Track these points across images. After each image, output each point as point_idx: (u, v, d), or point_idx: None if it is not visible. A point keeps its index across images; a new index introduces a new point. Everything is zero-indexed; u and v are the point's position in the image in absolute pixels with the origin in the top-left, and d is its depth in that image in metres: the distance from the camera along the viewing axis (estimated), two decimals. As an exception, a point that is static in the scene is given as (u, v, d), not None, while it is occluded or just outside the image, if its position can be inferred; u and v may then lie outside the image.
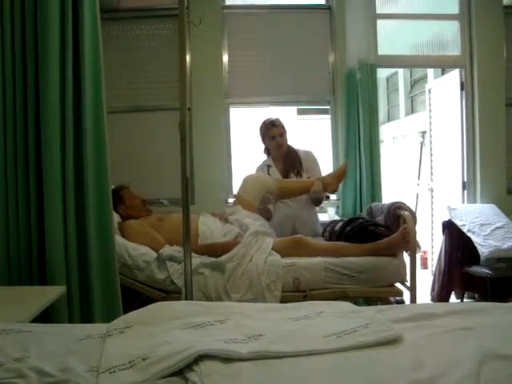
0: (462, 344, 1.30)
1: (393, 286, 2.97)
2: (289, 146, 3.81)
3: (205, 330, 1.49)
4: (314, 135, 5.04)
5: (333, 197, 4.40)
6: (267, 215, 3.50)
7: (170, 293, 2.88)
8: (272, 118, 3.79)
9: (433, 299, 4.24)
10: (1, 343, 1.43)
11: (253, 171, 3.86)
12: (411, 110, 10.88)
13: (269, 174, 3.75)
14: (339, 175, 3.56)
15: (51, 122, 2.45)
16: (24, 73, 2.49)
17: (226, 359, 1.28)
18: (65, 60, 2.48)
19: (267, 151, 3.90)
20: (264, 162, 3.90)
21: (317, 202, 3.63)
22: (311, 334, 1.41)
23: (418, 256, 3.56)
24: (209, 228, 3.21)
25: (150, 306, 1.76)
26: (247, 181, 3.53)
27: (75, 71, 2.52)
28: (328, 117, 4.76)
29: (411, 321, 1.54)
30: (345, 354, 1.30)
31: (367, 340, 1.35)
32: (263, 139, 3.83)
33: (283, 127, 3.77)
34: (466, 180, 4.71)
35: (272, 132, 3.73)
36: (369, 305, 3.28)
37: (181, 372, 1.25)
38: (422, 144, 7.53)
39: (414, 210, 3.28)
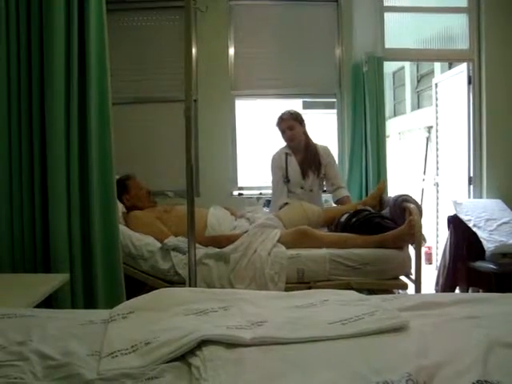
0: (468, 332, 1.28)
1: (398, 278, 2.96)
2: (309, 140, 3.75)
3: (208, 316, 1.48)
4: (319, 129, 5.01)
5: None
6: None
7: (173, 283, 2.88)
8: (283, 112, 3.75)
9: (437, 294, 4.22)
10: (3, 327, 1.43)
11: (262, 162, 3.84)
12: (417, 105, 10.85)
13: (286, 163, 3.70)
14: (378, 195, 3.54)
15: (56, 112, 2.45)
16: (29, 63, 2.48)
17: (230, 345, 1.26)
18: (70, 51, 2.47)
19: None
20: (282, 148, 3.81)
21: None
22: (316, 320, 1.39)
23: (423, 251, 3.54)
24: (217, 221, 3.21)
25: (153, 292, 1.75)
26: (294, 208, 3.41)
27: (80, 62, 2.51)
28: (334, 111, 4.75)
29: (417, 309, 1.52)
30: (350, 340, 1.28)
31: (373, 327, 1.33)
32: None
33: (295, 119, 3.69)
34: (472, 175, 4.68)
35: (280, 126, 3.71)
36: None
37: (183, 357, 1.24)
38: (427, 139, 7.49)
39: (419, 204, 3.27)
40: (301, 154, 3.73)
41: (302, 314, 1.49)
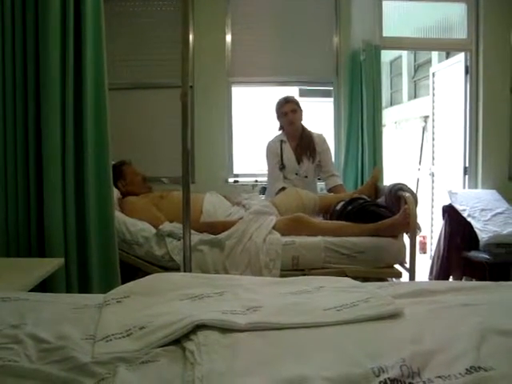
0: (462, 319, 1.29)
1: (392, 267, 2.97)
2: (304, 128, 3.79)
3: (203, 301, 1.48)
4: (316, 117, 5.01)
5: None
6: None
7: (168, 269, 2.88)
8: (286, 95, 3.80)
9: (431, 283, 4.23)
10: (-2, 310, 1.42)
11: (257, 149, 3.85)
12: (414, 94, 10.83)
13: (281, 150, 3.73)
14: (373, 184, 3.55)
15: (51, 98, 2.44)
16: (24, 49, 2.46)
17: (224, 330, 1.26)
18: (66, 36, 2.46)
19: (282, 127, 3.86)
20: (277, 136, 3.85)
21: None
22: (311, 307, 1.40)
23: (417, 240, 3.55)
24: (213, 206, 3.20)
25: (147, 277, 1.75)
26: (290, 195, 3.42)
27: (77, 47, 2.49)
28: (330, 99, 4.73)
29: (412, 296, 1.52)
30: (344, 326, 1.29)
31: (367, 314, 1.33)
32: (277, 116, 3.80)
33: (297, 104, 3.74)
34: (467, 165, 4.69)
35: (284, 108, 3.71)
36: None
37: (178, 341, 1.24)
38: (424, 129, 7.51)
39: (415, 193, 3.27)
40: (296, 141, 3.76)
41: (298, 300, 1.49)
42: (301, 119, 3.77)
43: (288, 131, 3.77)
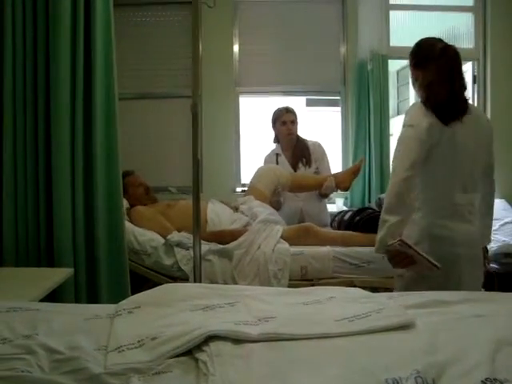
0: (475, 330, 1.28)
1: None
2: (298, 137, 3.80)
3: (215, 312, 1.48)
4: (323, 127, 5.01)
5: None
6: (277, 206, 3.49)
7: (176, 279, 2.88)
8: (285, 106, 3.81)
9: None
10: (10, 320, 1.42)
11: (262, 160, 3.86)
12: (421, 104, 10.81)
13: (277, 162, 3.74)
14: (353, 172, 3.51)
15: (61, 108, 2.46)
16: (35, 59, 2.48)
17: (237, 340, 1.26)
18: (76, 46, 2.48)
19: (276, 139, 3.86)
20: (272, 150, 3.87)
21: (325, 195, 3.63)
22: (323, 317, 1.39)
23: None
24: (217, 215, 3.20)
25: (158, 287, 1.75)
26: (262, 171, 3.51)
27: (86, 58, 2.51)
28: (337, 109, 4.73)
29: (423, 307, 1.51)
30: (357, 337, 1.28)
31: (380, 324, 1.33)
32: (274, 125, 3.80)
33: (296, 116, 3.76)
34: (475, 174, 4.65)
35: (284, 117, 3.71)
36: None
37: (190, 352, 1.24)
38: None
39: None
40: (290, 151, 3.78)
41: (309, 310, 1.49)
42: (296, 131, 3.78)
43: (284, 141, 3.78)
